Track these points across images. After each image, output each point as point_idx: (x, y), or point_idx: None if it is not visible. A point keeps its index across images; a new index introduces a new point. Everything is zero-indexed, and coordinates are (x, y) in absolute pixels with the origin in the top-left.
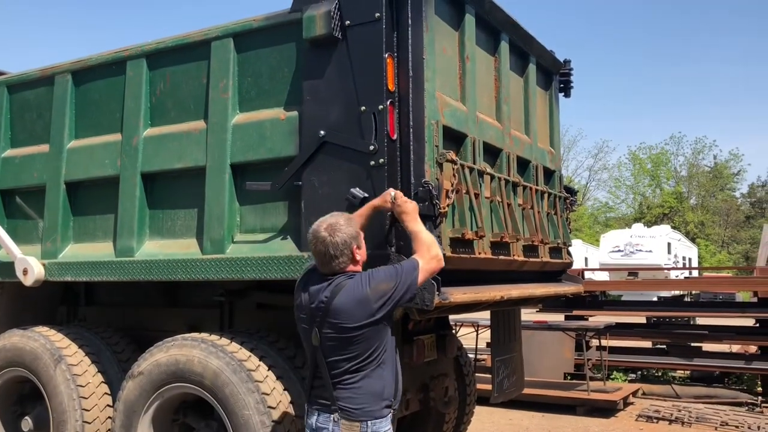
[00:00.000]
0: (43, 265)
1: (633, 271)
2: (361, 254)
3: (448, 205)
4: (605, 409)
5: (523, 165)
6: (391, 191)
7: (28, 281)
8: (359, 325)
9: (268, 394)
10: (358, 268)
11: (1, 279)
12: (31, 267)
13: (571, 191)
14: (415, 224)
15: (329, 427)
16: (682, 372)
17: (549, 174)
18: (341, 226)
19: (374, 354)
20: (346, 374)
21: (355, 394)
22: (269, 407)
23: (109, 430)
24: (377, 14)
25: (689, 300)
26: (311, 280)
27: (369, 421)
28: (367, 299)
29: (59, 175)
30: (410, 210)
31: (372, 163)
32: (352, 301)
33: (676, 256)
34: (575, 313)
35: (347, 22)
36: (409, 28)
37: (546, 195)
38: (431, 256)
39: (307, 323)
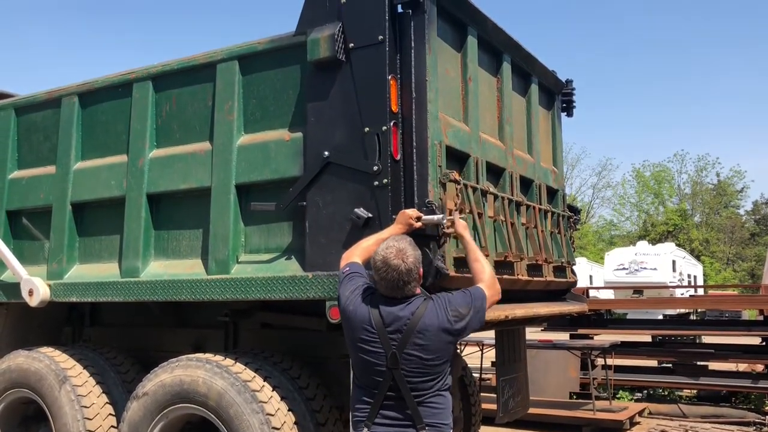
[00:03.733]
0: (49, 285)
1: (638, 289)
2: (421, 273)
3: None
4: (611, 429)
5: (526, 184)
6: (439, 217)
7: (33, 302)
8: (443, 346)
9: (272, 415)
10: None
11: (7, 300)
12: (37, 288)
13: (574, 210)
14: (474, 246)
15: None
16: (689, 391)
17: (552, 193)
18: (409, 251)
19: (447, 373)
20: (428, 392)
21: (439, 410)
22: (274, 428)
23: None
24: (380, 37)
25: (695, 318)
26: (375, 301)
27: None
28: (449, 321)
29: (65, 196)
30: (467, 230)
31: (376, 183)
32: (437, 323)
33: (681, 273)
34: (580, 331)
35: (351, 45)
36: (412, 51)
37: (549, 214)
38: (495, 290)
39: (378, 345)
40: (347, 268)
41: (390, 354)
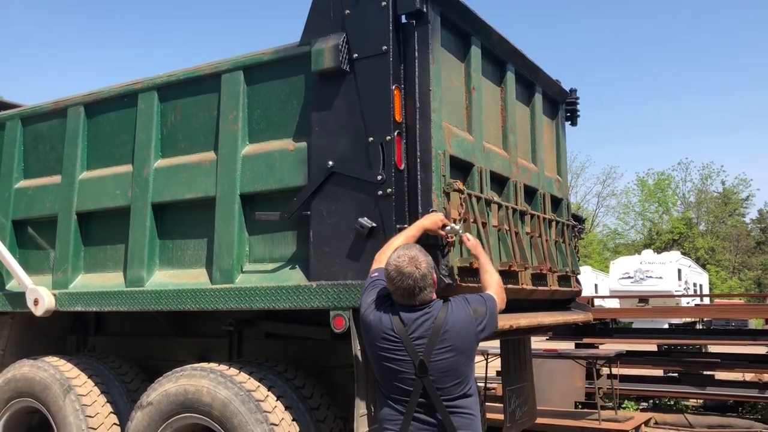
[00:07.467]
0: (54, 295)
1: (643, 298)
2: (435, 278)
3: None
4: None
5: (530, 193)
6: (459, 228)
7: (38, 311)
8: (468, 345)
9: (276, 425)
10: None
11: (12, 309)
12: (42, 297)
13: (578, 219)
14: (487, 259)
15: None
16: (695, 401)
17: (556, 202)
18: (421, 257)
19: (472, 375)
20: (459, 399)
21: (472, 418)
22: None
23: None
24: (384, 47)
25: (701, 327)
26: (396, 309)
27: None
28: (473, 321)
29: (71, 205)
30: (478, 245)
31: (380, 193)
32: (461, 323)
33: (686, 282)
34: (585, 341)
35: (355, 55)
36: (416, 61)
37: (554, 223)
38: (500, 299)
39: (404, 353)
40: (375, 274)
41: (418, 362)
